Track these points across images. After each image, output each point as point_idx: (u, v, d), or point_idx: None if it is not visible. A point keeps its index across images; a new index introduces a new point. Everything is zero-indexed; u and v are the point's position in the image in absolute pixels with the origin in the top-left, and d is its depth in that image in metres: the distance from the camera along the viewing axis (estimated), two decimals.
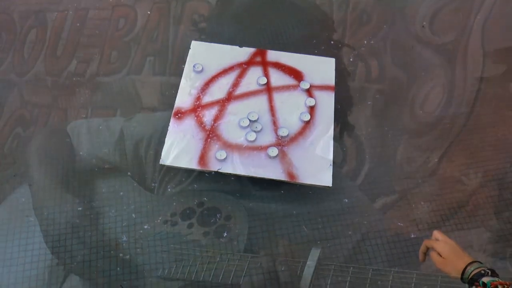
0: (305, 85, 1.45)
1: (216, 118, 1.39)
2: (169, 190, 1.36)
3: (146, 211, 1.31)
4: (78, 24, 1.66)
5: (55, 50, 1.61)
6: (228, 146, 1.34)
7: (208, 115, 1.40)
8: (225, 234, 1.25)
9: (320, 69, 1.48)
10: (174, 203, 1.32)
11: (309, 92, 1.44)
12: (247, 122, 1.38)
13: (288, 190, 1.33)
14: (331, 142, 1.34)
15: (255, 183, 1.34)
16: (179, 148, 1.33)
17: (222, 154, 1.31)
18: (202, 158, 1.32)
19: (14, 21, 1.68)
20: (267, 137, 1.36)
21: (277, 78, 1.47)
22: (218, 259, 1.17)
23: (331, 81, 1.45)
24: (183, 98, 1.43)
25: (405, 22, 1.63)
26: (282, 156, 1.32)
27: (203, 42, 1.54)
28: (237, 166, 1.31)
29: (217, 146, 1.34)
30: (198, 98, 1.43)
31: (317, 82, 1.46)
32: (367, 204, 1.33)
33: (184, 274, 1.16)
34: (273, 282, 1.08)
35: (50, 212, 1.28)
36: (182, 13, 1.69)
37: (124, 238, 1.26)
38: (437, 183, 1.37)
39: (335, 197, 1.32)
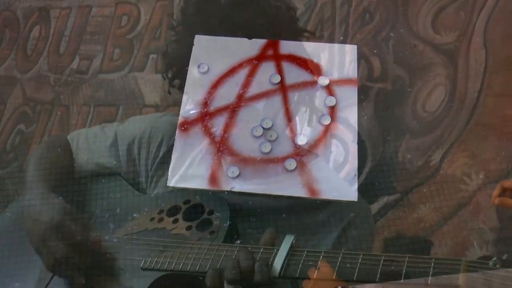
0: (324, 81, 1.27)
1: (226, 127, 1.24)
2: (158, 190, 1.29)
3: (135, 211, 1.26)
4: (81, 21, 1.67)
5: (58, 47, 1.62)
6: (241, 160, 1.20)
7: (217, 124, 1.24)
8: (207, 227, 1.18)
9: (340, 59, 1.33)
10: (162, 202, 1.25)
11: (328, 89, 1.27)
12: (260, 131, 1.22)
13: None
14: (356, 148, 1.20)
15: None
16: (187, 165, 1.21)
17: (234, 171, 1.18)
18: (213, 177, 1.19)
19: (18, 18, 1.68)
20: (284, 147, 1.20)
21: (292, 74, 1.29)
22: (197, 250, 1.12)
23: (353, 74, 1.29)
24: (189, 106, 1.27)
25: (407, 21, 1.62)
26: (301, 168, 1.19)
27: (207, 36, 1.38)
28: (251, 183, 1.18)
29: (228, 161, 1.20)
30: (205, 104, 1.27)
31: (337, 76, 1.29)
32: (366, 202, 1.32)
33: (165, 264, 1.12)
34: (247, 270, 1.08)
35: (37, 211, 1.24)
36: None
37: (109, 236, 1.23)
38: (438, 183, 1.37)
39: None
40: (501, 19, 1.61)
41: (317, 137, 1.23)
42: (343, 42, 1.55)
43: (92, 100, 1.53)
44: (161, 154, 1.33)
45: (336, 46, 1.38)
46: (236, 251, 1.10)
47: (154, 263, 1.15)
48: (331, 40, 1.60)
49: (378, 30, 1.62)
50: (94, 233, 1.24)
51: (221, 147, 1.22)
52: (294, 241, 1.07)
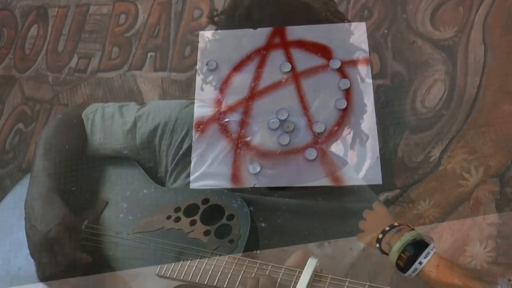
0: (335, 63, 1.25)
1: (243, 123, 1.23)
2: (178, 183, 1.27)
3: (151, 204, 1.26)
4: (79, 20, 1.66)
5: (56, 46, 1.62)
6: (261, 155, 1.19)
7: (233, 121, 1.24)
8: (226, 234, 1.16)
9: (350, 39, 1.30)
10: (180, 198, 1.23)
11: (341, 71, 1.25)
12: (277, 123, 1.21)
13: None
14: (375, 130, 1.20)
15: None
16: (208, 166, 1.21)
17: (255, 167, 1.17)
18: (235, 174, 1.19)
19: (16, 17, 1.68)
20: (302, 137, 1.20)
21: (302, 60, 1.27)
22: (215, 261, 1.10)
23: (365, 53, 1.28)
24: (202, 106, 1.27)
25: (406, 17, 1.62)
26: (322, 156, 1.17)
27: (211, 31, 1.38)
28: (274, 177, 1.17)
29: (248, 157, 1.19)
30: (218, 102, 1.27)
31: (348, 56, 1.27)
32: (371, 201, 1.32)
33: (181, 274, 1.10)
34: None
35: (35, 215, 1.24)
36: (183, 9, 1.69)
37: (124, 232, 1.22)
38: (438, 178, 1.37)
39: (340, 191, 1.27)
40: (500, 14, 1.61)
41: (335, 123, 1.21)
42: None
43: (91, 98, 1.52)
44: (184, 147, 1.30)
45: (343, 25, 1.33)
46: (256, 268, 1.06)
47: (170, 271, 1.12)
48: None
49: (376, 27, 1.61)
50: (108, 228, 1.21)
51: (240, 143, 1.21)
52: (317, 264, 1.04)
